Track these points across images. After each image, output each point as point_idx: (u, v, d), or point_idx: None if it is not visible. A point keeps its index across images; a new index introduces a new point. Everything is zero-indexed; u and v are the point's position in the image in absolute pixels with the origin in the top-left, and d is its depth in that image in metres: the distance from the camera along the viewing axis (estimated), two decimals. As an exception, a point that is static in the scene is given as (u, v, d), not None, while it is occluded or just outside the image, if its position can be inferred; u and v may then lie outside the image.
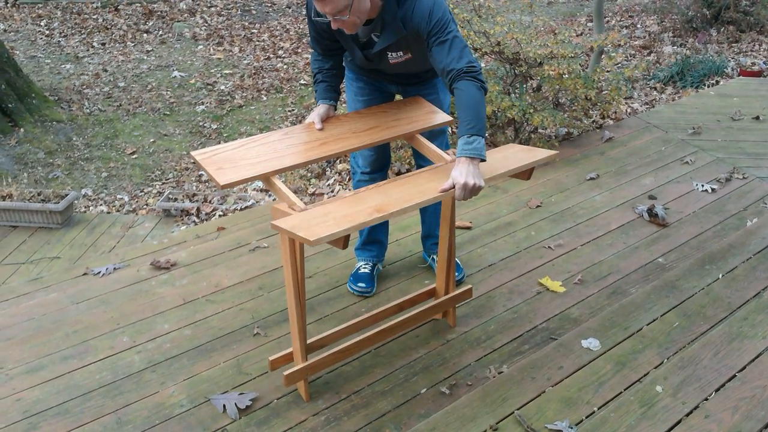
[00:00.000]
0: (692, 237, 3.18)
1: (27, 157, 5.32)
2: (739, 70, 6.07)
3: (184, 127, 5.96)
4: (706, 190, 3.63)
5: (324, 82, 2.34)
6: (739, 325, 2.53)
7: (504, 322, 2.59)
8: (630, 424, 2.07)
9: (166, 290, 2.85)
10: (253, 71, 7.22)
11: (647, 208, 3.37)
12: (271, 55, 7.77)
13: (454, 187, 1.88)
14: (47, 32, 8.45)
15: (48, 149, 5.46)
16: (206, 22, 9.00)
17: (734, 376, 2.28)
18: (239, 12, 9.51)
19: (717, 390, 2.21)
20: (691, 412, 2.12)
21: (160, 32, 8.58)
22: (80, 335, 2.57)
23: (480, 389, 2.22)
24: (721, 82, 5.83)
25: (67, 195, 4.14)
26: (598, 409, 2.14)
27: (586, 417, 2.11)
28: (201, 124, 6.02)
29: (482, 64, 4.73)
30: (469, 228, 3.28)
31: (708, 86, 5.79)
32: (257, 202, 4.21)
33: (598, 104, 4.29)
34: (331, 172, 4.55)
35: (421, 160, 2.63)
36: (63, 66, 7.35)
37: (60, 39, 8.24)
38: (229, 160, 2.05)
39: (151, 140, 5.71)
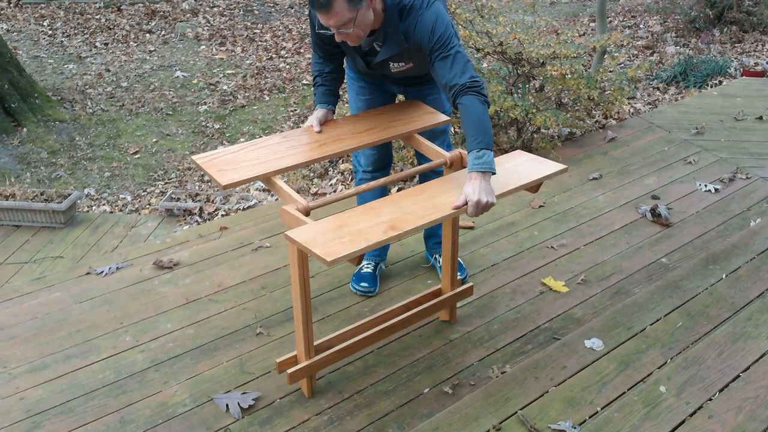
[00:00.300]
0: (695, 237, 3.17)
1: (30, 156, 5.32)
2: (742, 70, 6.06)
3: (187, 127, 5.97)
4: (710, 190, 3.63)
5: (323, 86, 2.35)
6: (743, 325, 2.52)
7: (507, 322, 2.59)
8: (633, 424, 2.07)
9: (169, 290, 2.85)
10: (256, 71, 7.22)
11: (650, 208, 3.36)
12: (274, 55, 7.78)
13: (466, 203, 1.89)
14: (50, 32, 8.47)
15: (51, 149, 5.47)
16: (209, 22, 9.01)
17: (738, 376, 2.27)
18: (242, 12, 9.51)
19: (721, 390, 2.21)
20: (694, 413, 2.12)
21: (163, 32, 8.60)
22: (83, 334, 2.57)
23: (483, 389, 2.22)
24: (724, 82, 5.82)
25: (70, 195, 4.15)
26: (602, 409, 2.14)
27: (590, 417, 2.10)
28: (204, 124, 6.03)
29: (485, 64, 4.72)
30: (471, 228, 3.28)
31: (711, 86, 5.79)
32: (260, 201, 4.21)
33: (601, 104, 4.29)
34: (333, 171, 4.55)
35: (422, 159, 2.64)
36: (66, 66, 7.36)
37: (63, 39, 8.25)
38: (230, 163, 2.07)
39: (154, 140, 5.72)
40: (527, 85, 4.20)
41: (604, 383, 2.24)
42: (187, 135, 5.83)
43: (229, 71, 7.26)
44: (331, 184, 4.33)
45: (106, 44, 8.11)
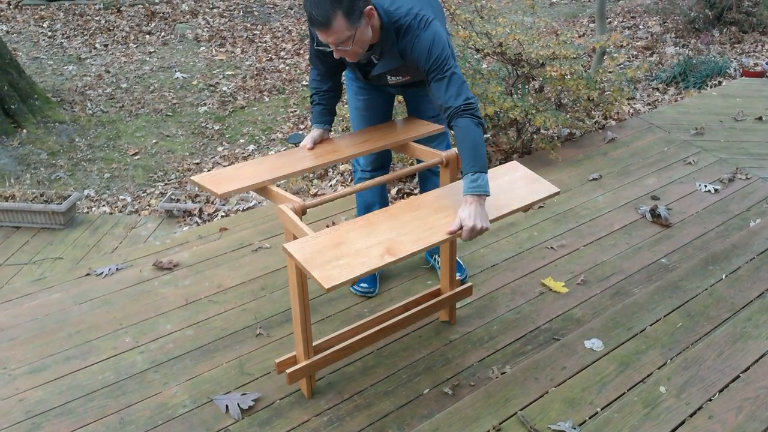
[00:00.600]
0: (695, 237, 3.17)
1: (30, 158, 5.32)
2: (741, 70, 6.06)
3: (187, 128, 5.97)
4: (709, 191, 3.63)
5: (320, 104, 2.37)
6: (743, 326, 2.52)
7: (507, 323, 2.59)
8: (633, 425, 2.07)
9: (169, 291, 2.85)
10: (256, 72, 7.22)
11: (650, 209, 3.36)
12: (273, 57, 7.78)
13: (461, 227, 1.92)
14: (50, 34, 8.47)
15: (51, 150, 5.47)
16: (208, 24, 9.01)
17: (738, 376, 2.27)
18: (241, 13, 9.52)
19: (721, 390, 2.21)
20: (694, 413, 2.12)
21: (163, 33, 8.60)
22: (83, 336, 2.57)
23: (483, 390, 2.22)
24: (724, 83, 5.82)
25: (69, 196, 4.15)
26: (602, 409, 2.13)
27: (590, 417, 2.10)
28: (203, 125, 6.03)
29: (484, 65, 4.73)
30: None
31: (710, 87, 5.79)
32: (259, 202, 4.21)
33: (601, 105, 4.29)
34: (333, 173, 4.55)
35: (420, 161, 2.65)
36: (65, 67, 7.36)
37: (62, 40, 8.25)
38: (226, 177, 2.13)
39: (154, 141, 5.72)
40: (527, 86, 4.21)
41: (604, 384, 2.24)
42: (187, 136, 5.83)
43: (229, 72, 7.26)
44: (330, 185, 4.33)
45: (106, 45, 8.11)
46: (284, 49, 8.05)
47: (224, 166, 5.18)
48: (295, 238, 1.98)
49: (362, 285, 2.74)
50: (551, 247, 3.10)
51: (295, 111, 6.29)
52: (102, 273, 2.97)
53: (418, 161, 2.71)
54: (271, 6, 9.94)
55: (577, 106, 4.23)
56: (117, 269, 3.01)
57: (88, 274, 2.98)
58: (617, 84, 4.34)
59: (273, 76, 7.12)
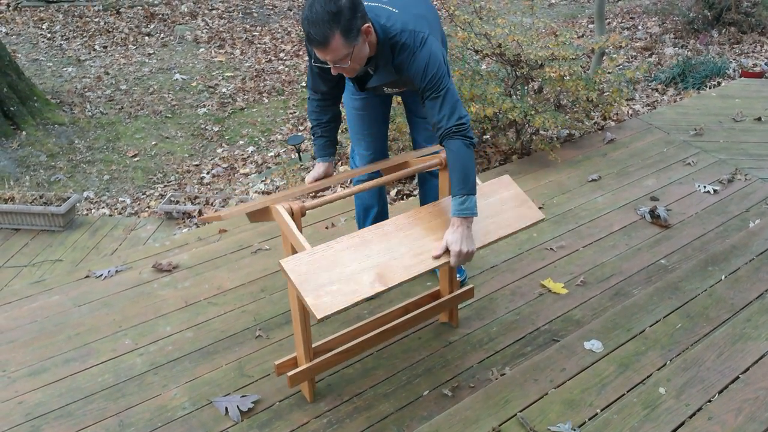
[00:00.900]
0: (695, 238, 3.17)
1: (29, 160, 5.32)
2: (740, 71, 6.07)
3: (186, 130, 5.97)
4: (709, 192, 3.63)
5: (323, 137, 2.37)
6: (743, 327, 2.52)
7: (506, 324, 2.59)
8: (633, 426, 2.06)
9: (168, 293, 2.85)
10: (255, 74, 7.23)
11: (649, 210, 3.36)
12: (273, 58, 7.78)
13: (448, 251, 1.98)
14: (49, 35, 8.47)
15: (50, 152, 5.47)
16: (207, 25, 9.01)
17: (738, 377, 2.27)
18: (240, 15, 9.52)
19: (720, 392, 2.21)
20: (694, 414, 2.12)
21: (162, 35, 8.60)
22: (82, 338, 2.57)
23: (482, 391, 2.22)
24: (723, 84, 5.82)
25: (69, 198, 4.15)
26: (601, 411, 2.13)
27: (589, 419, 2.10)
28: (203, 126, 6.03)
29: (483, 66, 4.73)
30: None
31: (709, 87, 5.79)
32: (259, 204, 4.21)
33: (600, 106, 4.29)
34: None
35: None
36: (65, 69, 7.36)
37: (62, 42, 8.25)
38: (229, 212, 2.22)
39: (153, 143, 5.72)
40: (526, 87, 4.21)
41: (604, 385, 2.24)
42: (186, 138, 5.83)
43: (228, 74, 7.27)
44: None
45: (105, 47, 8.11)
46: (283, 50, 8.06)
47: (224, 168, 5.19)
48: (289, 242, 1.99)
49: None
50: (551, 249, 3.10)
51: (295, 112, 6.29)
52: (101, 275, 2.97)
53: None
54: (271, 7, 9.95)
55: (576, 106, 4.23)
56: (116, 271, 3.01)
57: (87, 276, 2.98)
58: (616, 85, 4.35)
59: (272, 78, 7.13)
